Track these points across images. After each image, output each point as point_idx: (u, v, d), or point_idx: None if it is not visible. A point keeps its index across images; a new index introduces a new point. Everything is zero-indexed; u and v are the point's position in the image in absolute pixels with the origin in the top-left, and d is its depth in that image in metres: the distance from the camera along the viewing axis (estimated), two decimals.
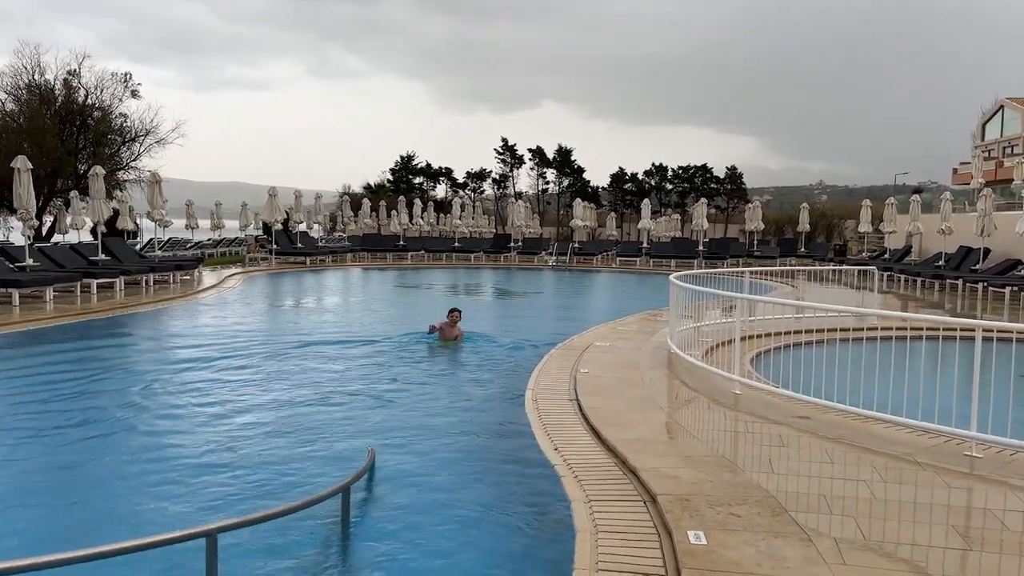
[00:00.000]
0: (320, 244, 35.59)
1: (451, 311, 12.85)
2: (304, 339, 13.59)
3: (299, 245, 32.95)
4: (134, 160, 41.87)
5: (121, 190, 43.13)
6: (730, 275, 14.98)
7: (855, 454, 6.32)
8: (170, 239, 34.73)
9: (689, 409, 8.16)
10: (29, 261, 17.73)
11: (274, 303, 20.08)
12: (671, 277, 10.95)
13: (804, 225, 38.69)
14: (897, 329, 10.79)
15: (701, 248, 34.73)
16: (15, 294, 15.43)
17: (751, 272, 14.89)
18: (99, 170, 22.40)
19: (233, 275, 25.10)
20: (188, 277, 22.52)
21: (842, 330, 8.44)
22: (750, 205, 41.04)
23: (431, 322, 12.81)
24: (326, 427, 7.80)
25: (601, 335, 12.73)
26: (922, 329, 7.02)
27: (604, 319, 15.17)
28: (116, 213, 41.53)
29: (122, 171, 41.67)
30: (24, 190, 17.71)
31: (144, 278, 20.09)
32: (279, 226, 32.03)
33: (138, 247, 26.24)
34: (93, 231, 31.55)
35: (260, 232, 35.60)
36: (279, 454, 6.88)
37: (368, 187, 76.66)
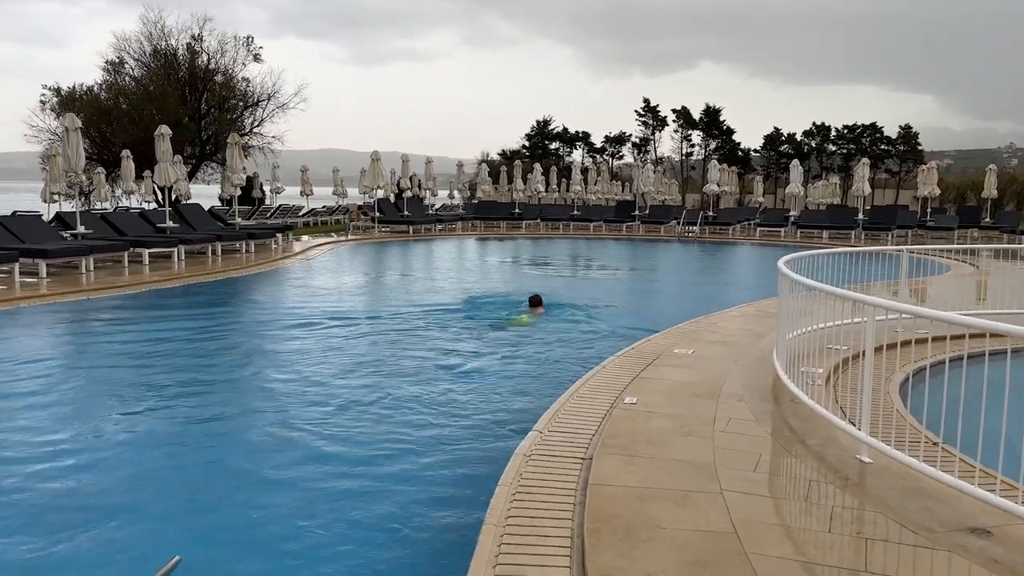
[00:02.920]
0: (430, 212, 33.44)
1: (533, 299, 12.25)
2: (343, 320, 11.14)
3: (406, 213, 30.93)
4: (257, 126, 41.61)
5: (247, 156, 43.21)
6: (882, 250, 10.96)
7: None
8: (280, 206, 33.83)
9: (779, 497, 4.80)
10: (80, 228, 16.42)
11: (335, 280, 17.80)
12: (780, 263, 7.45)
13: (991, 191, 32.47)
14: None
15: (861, 217, 29.60)
16: (42, 265, 13.98)
17: (914, 249, 10.81)
18: (236, 138, 21.45)
19: (319, 246, 23.31)
20: (275, 245, 20.92)
21: None
22: (924, 167, 34.97)
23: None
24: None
25: (688, 335, 9.35)
26: None
27: (708, 308, 11.69)
28: (248, 181, 41.79)
29: (247, 136, 41.51)
30: (74, 151, 16.26)
31: (211, 247, 18.50)
32: (381, 193, 30.08)
33: (231, 214, 24.92)
34: (229, 200, 31.37)
35: (369, 199, 33.68)
36: None
37: (503, 154, 74.51)
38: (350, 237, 27.78)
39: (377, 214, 29.38)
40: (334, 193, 38.59)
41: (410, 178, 39.35)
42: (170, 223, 18.71)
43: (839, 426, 5.44)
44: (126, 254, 16.11)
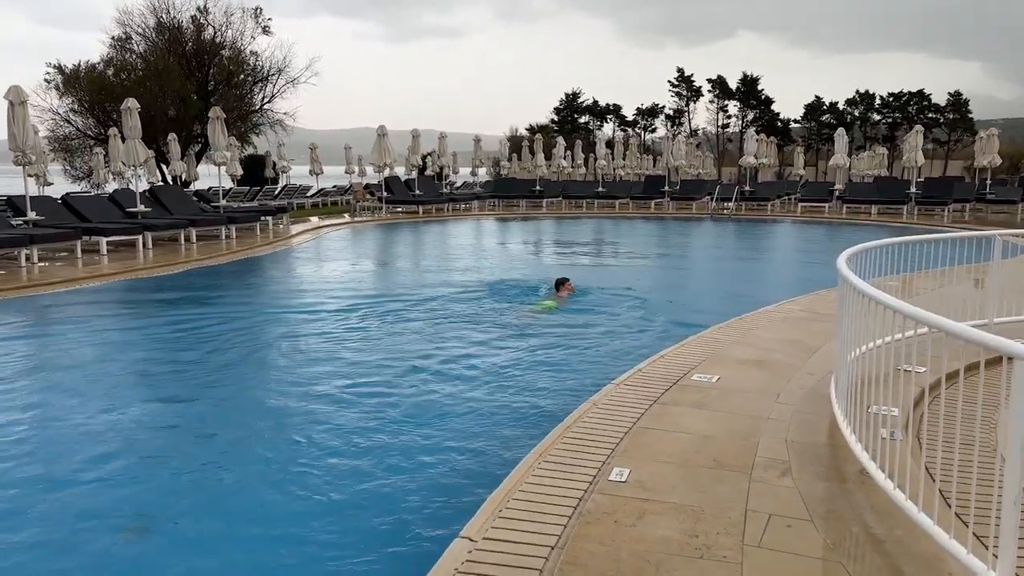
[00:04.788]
0: (444, 192, 31.31)
1: (561, 282, 11.24)
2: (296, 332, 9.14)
3: (417, 192, 28.85)
4: (268, 102, 39.74)
5: (256, 134, 41.41)
6: (968, 236, 8.45)
7: None
8: (285, 186, 31.98)
9: None
10: (31, 214, 14.64)
11: (316, 271, 15.74)
12: (841, 263, 5.24)
13: None
14: None
15: (913, 190, 26.80)
16: None
17: (1010, 234, 8.32)
18: (218, 112, 19.51)
19: (313, 230, 21.36)
20: (270, 227, 19.05)
21: None
22: (983, 134, 31.87)
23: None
24: None
25: (712, 349, 7.15)
26: None
27: (741, 306, 9.46)
28: (256, 159, 40.03)
29: (256, 114, 39.72)
30: (20, 128, 14.42)
31: (183, 233, 16.66)
32: (389, 171, 28.01)
33: (216, 194, 23.10)
34: (239, 180, 29.65)
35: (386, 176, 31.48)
36: None
37: (531, 128, 71.97)
38: (355, 219, 25.87)
39: (385, 194, 27.34)
40: (347, 172, 36.64)
41: (429, 155, 37.27)
42: (142, 207, 16.87)
43: (950, 551, 3.26)
44: (79, 243, 14.28)
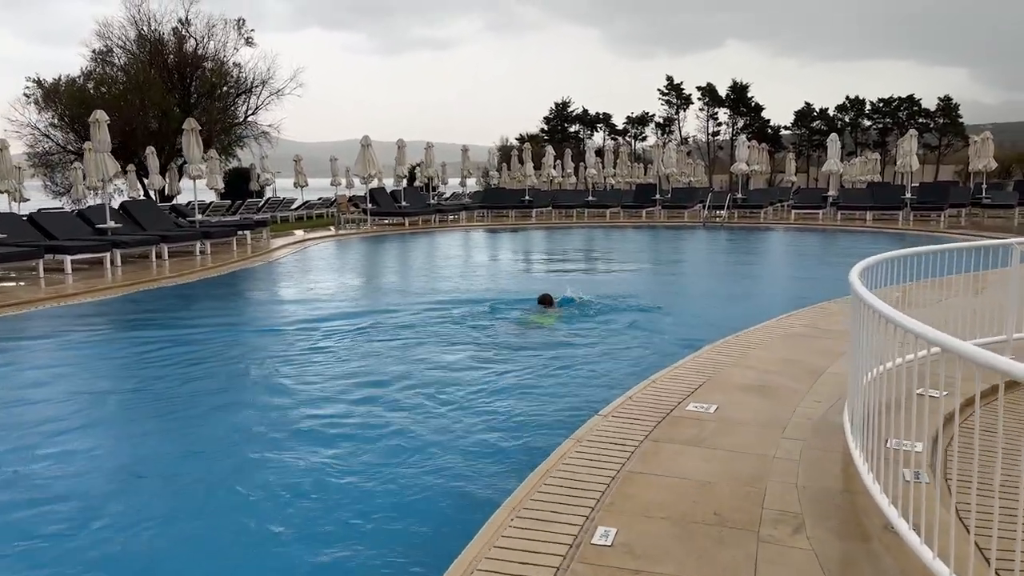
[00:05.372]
0: (431, 203, 30.69)
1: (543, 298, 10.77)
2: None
3: (403, 204, 28.22)
4: (252, 114, 39.08)
5: (240, 147, 40.70)
6: (983, 245, 7.70)
7: None
8: (269, 199, 31.29)
9: None
10: None
11: (293, 288, 15.03)
12: (853, 275, 4.63)
13: None
14: None
15: (908, 196, 26.28)
16: None
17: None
18: (192, 123, 18.82)
19: (295, 243, 20.69)
20: (249, 242, 18.32)
21: None
22: (976, 138, 31.43)
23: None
24: None
25: (710, 372, 6.51)
26: None
27: (737, 320, 8.84)
28: (241, 172, 39.28)
29: (240, 126, 39.05)
30: None
31: (155, 250, 15.99)
32: (378, 182, 27.38)
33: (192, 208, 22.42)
34: (223, 194, 28.90)
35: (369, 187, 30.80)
36: None
37: (521, 138, 71.52)
38: (339, 232, 25.23)
39: (370, 205, 26.69)
40: (333, 184, 35.97)
41: (417, 166, 36.63)
42: (112, 223, 16.18)
43: None
44: (41, 262, 13.59)
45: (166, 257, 16.08)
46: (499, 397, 6.86)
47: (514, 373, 7.65)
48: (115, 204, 18.60)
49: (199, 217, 19.38)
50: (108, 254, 14.73)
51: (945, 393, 4.42)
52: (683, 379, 6.37)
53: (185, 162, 34.91)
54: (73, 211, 18.61)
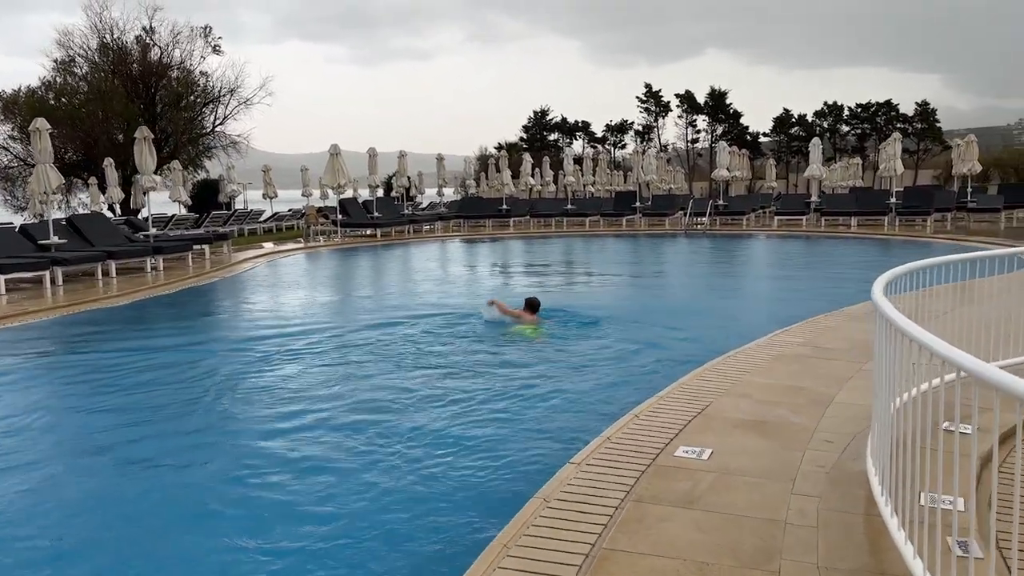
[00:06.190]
0: (405, 213, 29.73)
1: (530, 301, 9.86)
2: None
3: (376, 215, 27.21)
4: (219, 124, 37.99)
5: (208, 157, 39.57)
6: (990, 255, 6.87)
7: None
8: (236, 211, 30.20)
9: None
10: None
11: (241, 306, 13.99)
12: (876, 289, 3.77)
13: None
14: None
15: (893, 201, 25.66)
16: None
17: None
18: (145, 132, 17.69)
19: (258, 257, 19.64)
20: (207, 256, 17.24)
21: None
22: (960, 142, 30.96)
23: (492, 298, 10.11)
24: None
25: (700, 404, 5.60)
26: None
27: (728, 340, 7.97)
28: (209, 184, 38.10)
29: (207, 136, 37.96)
30: None
31: (101, 267, 14.94)
32: (345, 192, 26.40)
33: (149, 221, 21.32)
34: (189, 206, 27.71)
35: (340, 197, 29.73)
36: None
37: (499, 147, 70.72)
38: (308, 244, 24.21)
39: (340, 216, 25.68)
40: (303, 195, 34.92)
41: (393, 175, 35.68)
42: (55, 239, 15.09)
43: None
44: None
45: (114, 275, 15.01)
46: (450, 446, 5.87)
47: (482, 405, 6.71)
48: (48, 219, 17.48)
49: (153, 231, 18.30)
50: (48, 272, 13.65)
51: (965, 426, 3.56)
52: (668, 414, 5.47)
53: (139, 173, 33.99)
54: (13, 227, 17.43)
